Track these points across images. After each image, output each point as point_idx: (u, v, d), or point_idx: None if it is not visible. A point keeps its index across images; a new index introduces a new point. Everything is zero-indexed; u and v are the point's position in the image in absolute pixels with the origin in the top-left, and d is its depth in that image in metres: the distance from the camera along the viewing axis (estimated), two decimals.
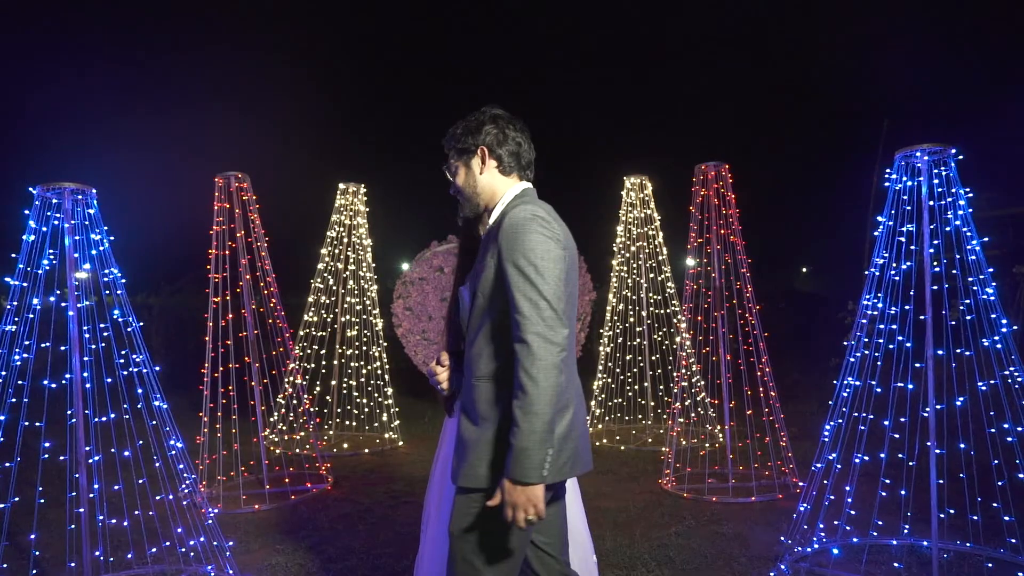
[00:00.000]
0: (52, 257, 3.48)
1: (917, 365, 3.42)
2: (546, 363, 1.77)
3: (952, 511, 3.76)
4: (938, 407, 3.33)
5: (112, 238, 3.60)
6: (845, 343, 3.72)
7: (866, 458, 3.57)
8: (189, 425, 5.96)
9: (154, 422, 3.70)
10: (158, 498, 3.73)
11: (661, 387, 7.70)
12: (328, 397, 7.68)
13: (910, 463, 3.62)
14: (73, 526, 3.70)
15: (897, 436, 3.54)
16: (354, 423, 7.74)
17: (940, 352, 3.42)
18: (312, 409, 6.32)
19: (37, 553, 4.01)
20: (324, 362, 7.53)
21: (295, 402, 6.95)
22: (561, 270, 1.85)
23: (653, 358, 7.54)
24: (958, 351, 3.50)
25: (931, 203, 3.44)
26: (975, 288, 3.46)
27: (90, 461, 3.41)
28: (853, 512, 3.75)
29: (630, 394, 7.63)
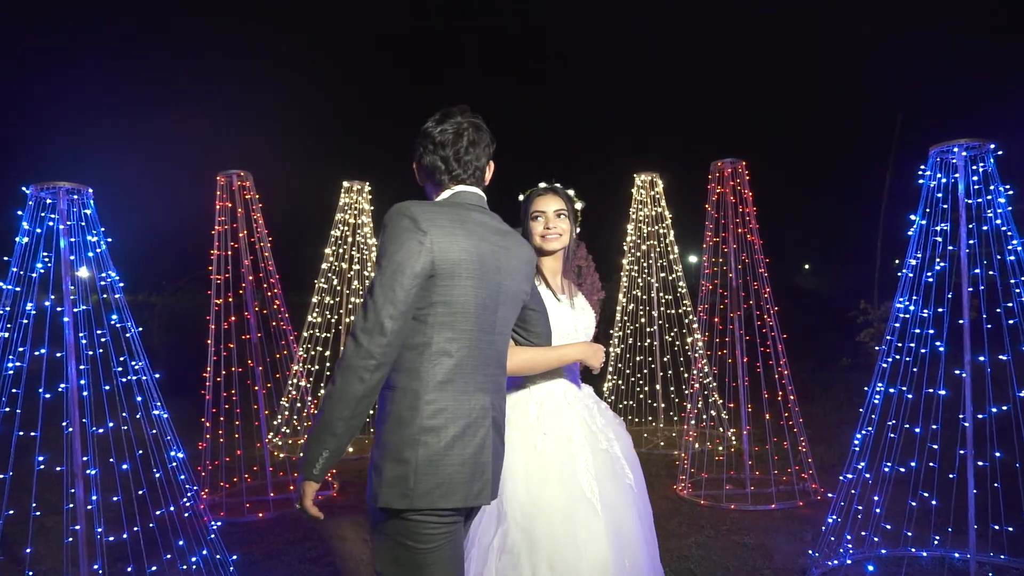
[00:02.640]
0: (47, 260, 3.33)
1: (957, 372, 3.25)
2: (348, 366, 1.69)
3: (996, 527, 3.59)
4: (980, 416, 3.17)
5: (110, 239, 3.45)
6: (876, 347, 3.55)
7: (901, 469, 3.41)
8: (192, 430, 5.82)
9: (154, 431, 3.55)
10: (158, 512, 3.57)
11: (672, 388, 7.54)
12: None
13: (950, 476, 3.45)
14: (71, 539, 3.55)
15: (936, 447, 3.37)
16: None
17: (981, 358, 3.26)
18: (316, 412, 6.17)
19: (31, 573, 3.85)
20: (328, 364, 7.38)
21: (299, 405, 6.81)
22: (408, 276, 1.72)
23: (665, 359, 7.39)
24: (1001, 357, 3.33)
25: (968, 201, 3.28)
26: (1017, 291, 3.30)
27: (88, 472, 3.26)
28: (888, 527, 3.60)
29: (641, 396, 7.47)
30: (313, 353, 7.26)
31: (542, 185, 2.56)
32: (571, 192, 2.58)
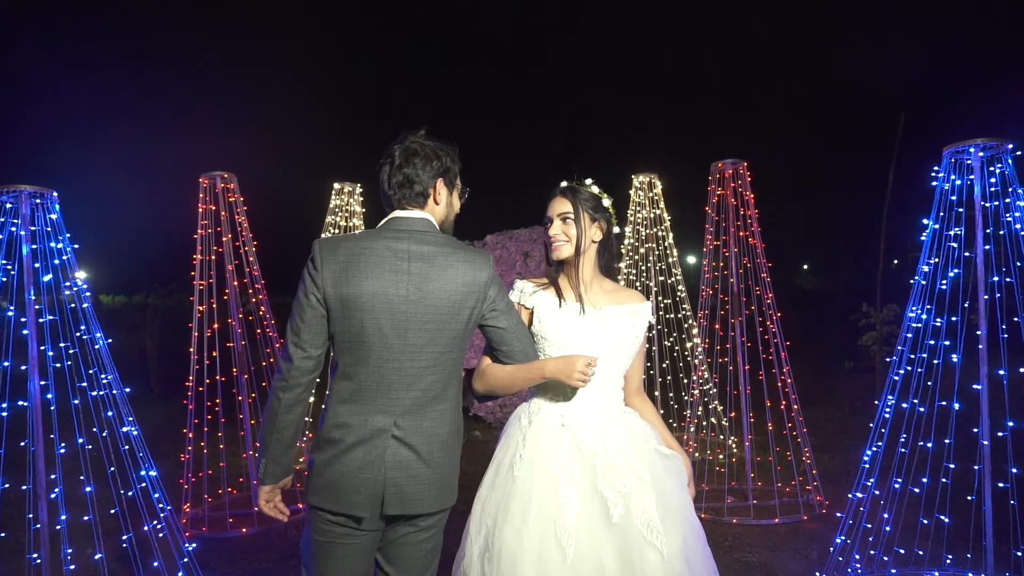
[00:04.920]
0: (8, 267, 3.14)
1: (976, 387, 3.07)
2: (272, 386, 2.01)
3: (1018, 553, 3.41)
4: (1000, 434, 2.99)
5: (76, 246, 3.26)
6: (888, 358, 3.37)
7: (915, 491, 3.23)
8: (179, 438, 5.62)
9: (127, 447, 3.37)
10: (124, 538, 3.38)
11: (671, 395, 7.36)
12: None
13: (963, 493, 3.27)
14: (38, 560, 3.36)
15: (953, 466, 3.19)
16: None
17: (1001, 372, 3.08)
18: (308, 419, 5.99)
19: None
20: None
21: None
22: (305, 309, 1.95)
23: (663, 365, 7.20)
24: (1021, 370, 3.15)
25: (984, 204, 3.10)
26: None
27: (52, 494, 3.07)
28: (902, 552, 3.41)
29: None
30: None
31: (563, 184, 2.28)
32: (594, 189, 2.26)
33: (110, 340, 3.35)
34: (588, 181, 2.28)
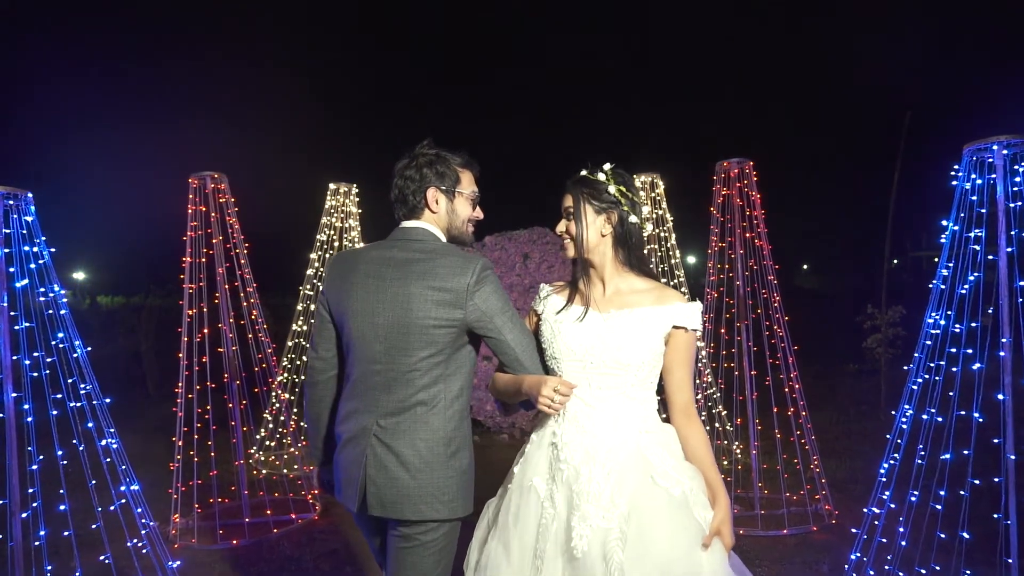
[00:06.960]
0: None
1: (999, 397, 2.92)
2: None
3: None
4: None
5: (52, 249, 3.10)
6: (907, 365, 3.22)
7: (938, 507, 3.08)
8: (172, 444, 5.48)
9: (108, 460, 3.22)
10: (103, 556, 3.22)
11: None
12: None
13: (995, 515, 3.12)
14: None
15: (978, 482, 3.04)
16: None
17: None
18: (302, 424, 5.83)
19: None
20: None
21: (281, 418, 6.47)
22: (317, 318, 2.19)
23: None
24: None
25: (1009, 204, 2.95)
26: None
27: (24, 514, 2.91)
28: (921, 569, 3.26)
29: None
30: (298, 364, 6.91)
31: (582, 173, 2.07)
32: (600, 176, 2.01)
33: (89, 348, 3.19)
34: (606, 167, 2.04)
